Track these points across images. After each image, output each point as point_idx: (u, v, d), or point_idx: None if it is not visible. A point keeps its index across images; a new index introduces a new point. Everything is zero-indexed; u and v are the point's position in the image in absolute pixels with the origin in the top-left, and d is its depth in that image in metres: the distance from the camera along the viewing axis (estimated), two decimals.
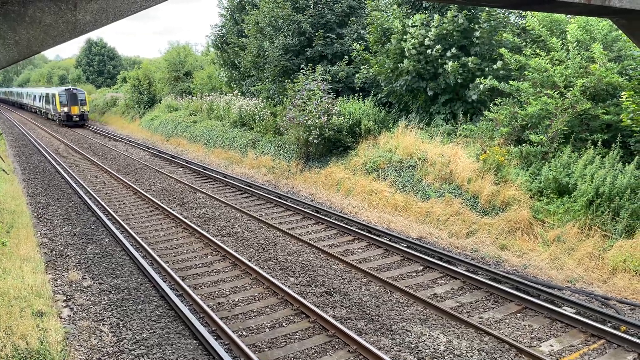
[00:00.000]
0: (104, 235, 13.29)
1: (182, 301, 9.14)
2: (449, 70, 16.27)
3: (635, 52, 12.91)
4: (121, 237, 12.75)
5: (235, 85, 32.01)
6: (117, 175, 21.36)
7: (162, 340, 7.95)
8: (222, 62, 32.71)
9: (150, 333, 8.19)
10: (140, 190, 18.15)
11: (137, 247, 12.21)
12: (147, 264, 10.88)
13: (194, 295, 9.27)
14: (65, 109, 44.40)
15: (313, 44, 22.37)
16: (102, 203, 16.43)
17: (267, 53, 23.78)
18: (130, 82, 45.82)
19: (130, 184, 19.34)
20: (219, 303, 9.31)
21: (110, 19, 4.29)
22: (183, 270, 10.90)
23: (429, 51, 16.76)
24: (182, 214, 15.31)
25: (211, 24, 66.87)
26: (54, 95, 46.04)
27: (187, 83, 41.39)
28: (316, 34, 22.11)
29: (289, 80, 22.45)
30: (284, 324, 8.54)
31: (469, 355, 7.52)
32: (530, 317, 8.81)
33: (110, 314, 8.88)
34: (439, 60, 16.82)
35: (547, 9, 11.86)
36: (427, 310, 9.03)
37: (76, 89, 45.95)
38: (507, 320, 8.70)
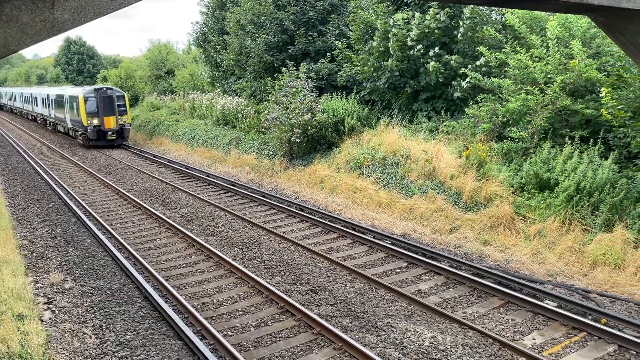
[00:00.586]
0: (85, 237, 13.12)
1: (166, 302, 9.07)
2: (430, 69, 16.37)
3: (613, 48, 13.12)
4: (103, 238, 12.60)
5: (217, 84, 31.84)
6: (98, 175, 21.09)
7: (146, 342, 7.87)
8: (204, 59, 32.52)
9: (134, 334, 8.11)
10: (122, 191, 17.95)
11: (120, 248, 12.08)
12: (130, 265, 10.77)
13: (177, 295, 9.20)
14: (96, 121, 28.64)
15: (295, 42, 22.33)
16: (83, 204, 16.21)
17: (248, 50, 23.69)
18: (112, 81, 44.98)
19: (112, 184, 19.11)
20: (203, 303, 9.25)
21: (89, 17, 4.22)
22: (167, 271, 10.81)
23: (411, 51, 16.85)
24: (165, 214, 15.18)
25: (192, 21, 66.43)
26: (75, 98, 29.75)
27: (168, 81, 41.05)
28: (298, 32, 22.08)
29: (272, 78, 22.41)
30: (269, 322, 8.52)
31: (453, 350, 7.58)
32: (513, 311, 8.92)
33: (92, 315, 8.77)
34: (421, 60, 16.92)
35: (527, 6, 12.00)
36: (412, 306, 9.08)
37: (111, 89, 29.73)
38: (490, 315, 8.79)
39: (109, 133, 29.13)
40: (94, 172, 21.69)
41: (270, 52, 22.87)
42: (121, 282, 10.22)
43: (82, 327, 8.35)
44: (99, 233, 12.99)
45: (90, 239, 12.90)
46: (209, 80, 32.99)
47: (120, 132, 29.70)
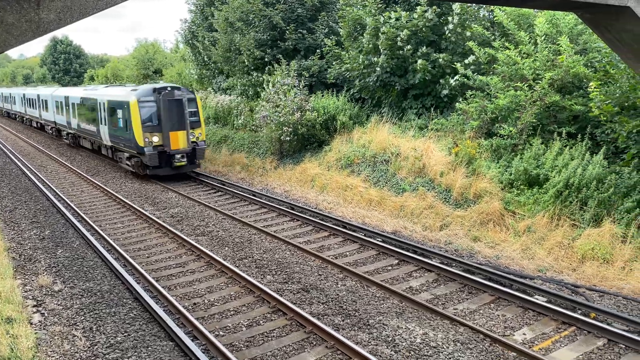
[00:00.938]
0: (74, 238, 13.01)
1: (156, 303, 9.01)
2: (417, 68, 16.42)
3: (600, 44, 13.23)
4: (92, 239, 12.50)
5: (206, 82, 31.74)
6: (86, 176, 20.91)
7: (137, 343, 7.83)
8: (193, 58, 32.38)
9: (124, 336, 8.06)
10: (111, 191, 17.81)
11: (109, 249, 11.99)
12: (120, 266, 10.69)
13: (168, 296, 9.16)
14: (156, 139, 19.05)
15: (285, 37, 22.30)
16: (72, 205, 16.08)
17: (238, 46, 23.60)
18: (98, 81, 44.57)
19: (101, 185, 18.96)
20: (194, 303, 9.22)
21: (75, 17, 4.17)
22: (157, 272, 10.75)
23: (400, 52, 16.90)
24: (154, 214, 15.08)
25: (181, 19, 66.00)
26: (122, 104, 19.97)
27: (156, 81, 40.85)
28: (288, 27, 22.06)
29: (265, 73, 22.39)
30: (261, 322, 8.51)
31: (444, 347, 7.62)
32: (504, 306, 8.97)
33: (82, 318, 8.70)
34: (410, 59, 16.97)
35: (515, 3, 12.05)
36: (403, 303, 9.11)
37: (179, 88, 19.92)
38: (481, 311, 8.84)
39: (177, 157, 19.09)
40: (82, 173, 21.50)
41: (260, 48, 22.86)
42: (111, 283, 10.15)
43: (72, 329, 8.29)
44: (88, 234, 12.88)
45: (79, 241, 12.79)
46: (197, 78, 32.84)
47: (192, 155, 19.64)
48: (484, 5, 16.91)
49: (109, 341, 7.90)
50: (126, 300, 9.35)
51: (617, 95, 11.55)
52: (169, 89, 19.34)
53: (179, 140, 19.06)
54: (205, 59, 29.60)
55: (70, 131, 28.69)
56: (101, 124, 22.34)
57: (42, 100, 34.76)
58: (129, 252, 11.83)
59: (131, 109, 18.89)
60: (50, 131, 34.76)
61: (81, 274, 10.67)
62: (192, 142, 19.57)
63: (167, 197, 17.26)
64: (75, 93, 27.20)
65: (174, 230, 13.05)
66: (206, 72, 31.07)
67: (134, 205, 15.67)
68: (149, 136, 18.86)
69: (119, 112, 20.09)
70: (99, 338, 8.01)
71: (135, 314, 8.80)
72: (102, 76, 44.43)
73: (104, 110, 21.73)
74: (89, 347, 7.73)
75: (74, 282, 10.25)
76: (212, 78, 30.73)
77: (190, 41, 31.73)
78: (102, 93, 22.78)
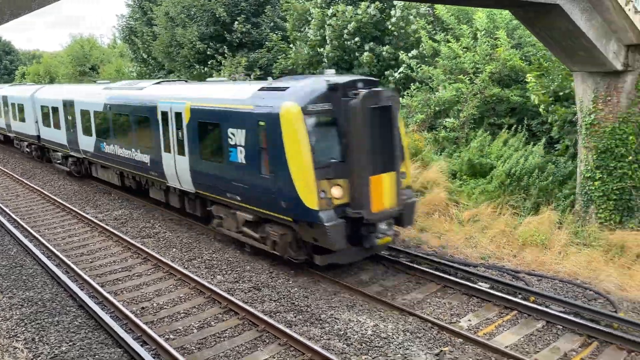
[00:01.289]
0: (11, 245, 12.40)
1: (102, 309, 8.74)
2: (363, 61, 16.64)
3: (534, 38, 13.87)
4: (30, 245, 11.95)
5: (147, 79, 30.91)
6: (21, 179, 19.93)
7: (84, 352, 7.57)
8: (132, 55, 31.40)
9: (69, 345, 7.78)
10: (49, 195, 17.06)
11: (50, 256, 11.50)
12: (62, 273, 10.28)
13: (115, 301, 8.90)
14: (338, 192, 9.11)
15: (233, 28, 21.99)
16: (7, 210, 15.30)
17: (180, 40, 23.10)
18: (30, 79, 42.42)
19: (38, 188, 18.12)
20: (142, 307, 9.00)
21: (6, 18, 3.97)
22: (102, 277, 10.41)
23: (347, 43, 17.08)
24: (97, 217, 14.57)
25: (117, 14, 63.70)
26: (254, 119, 9.75)
27: (94, 78, 39.40)
28: (238, 18, 21.78)
29: (207, 67, 22.02)
30: (212, 323, 8.42)
31: (394, 337, 7.80)
32: (449, 295, 9.27)
33: (24, 328, 8.33)
34: (356, 53, 17.18)
35: (452, 1, 12.43)
36: (354, 296, 9.24)
37: (373, 82, 9.84)
38: (428, 300, 9.10)
39: (382, 227, 9.51)
40: (16, 176, 20.46)
41: (203, 41, 22.46)
42: (53, 291, 9.75)
43: (13, 341, 7.92)
44: (25, 241, 12.30)
45: (17, 248, 12.21)
46: (136, 76, 31.92)
47: (399, 220, 10.05)
48: (424, 4, 17.31)
49: (53, 352, 7.61)
50: (70, 308, 9.02)
51: (553, 86, 12.14)
52: (360, 84, 9.52)
53: (384, 193, 9.46)
54: (144, 55, 28.77)
55: (75, 155, 18.90)
56: (165, 151, 13.07)
57: (12, 104, 24.88)
58: (71, 258, 11.39)
59: (285, 127, 9.22)
60: (27, 149, 24.51)
61: (20, 282, 10.19)
62: (401, 191, 9.90)
63: (110, 199, 16.71)
64: (89, 95, 17.58)
65: (118, 233, 12.67)
66: (146, 69, 30.19)
67: (74, 209, 15.08)
68: (326, 186, 9.17)
69: (236, 134, 10.47)
70: (42, 349, 7.69)
71: (80, 322, 8.51)
72: (34, 73, 42.27)
73: (179, 126, 12.33)
74: (31, 359, 7.41)
75: (13, 291, 9.78)
76: (152, 74, 29.93)
77: (128, 37, 30.72)
78: (167, 94, 13.14)
